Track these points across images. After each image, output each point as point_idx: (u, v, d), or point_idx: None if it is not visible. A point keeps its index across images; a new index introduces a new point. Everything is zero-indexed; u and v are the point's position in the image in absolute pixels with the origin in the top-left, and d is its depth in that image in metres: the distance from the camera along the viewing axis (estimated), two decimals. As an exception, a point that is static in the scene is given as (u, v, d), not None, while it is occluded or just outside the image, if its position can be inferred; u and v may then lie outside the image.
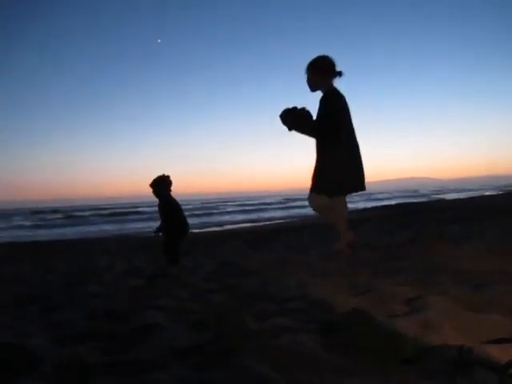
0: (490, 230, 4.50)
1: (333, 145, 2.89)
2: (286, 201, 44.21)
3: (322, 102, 2.92)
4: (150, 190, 4.28)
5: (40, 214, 33.34)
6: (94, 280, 3.18)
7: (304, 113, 2.85)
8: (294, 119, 2.83)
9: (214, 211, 29.49)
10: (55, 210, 39.16)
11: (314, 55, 2.99)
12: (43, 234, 15.85)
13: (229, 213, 27.03)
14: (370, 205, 25.30)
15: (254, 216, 22.33)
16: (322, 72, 2.96)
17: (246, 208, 32.42)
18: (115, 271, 3.84)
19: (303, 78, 3.04)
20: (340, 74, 2.96)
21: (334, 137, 2.87)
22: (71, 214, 31.98)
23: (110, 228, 18.41)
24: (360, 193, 3.10)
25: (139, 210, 32.73)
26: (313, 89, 3.01)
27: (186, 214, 4.53)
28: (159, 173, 4.35)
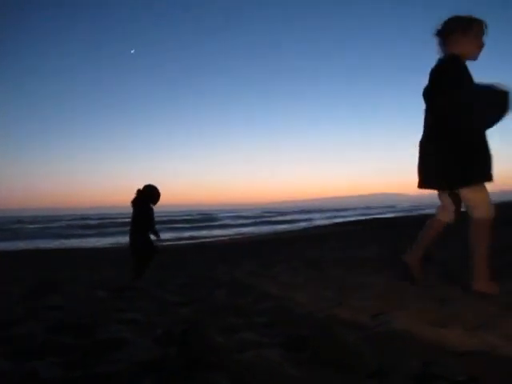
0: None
1: None
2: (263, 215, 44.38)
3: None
4: (135, 195, 4.18)
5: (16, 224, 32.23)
6: (58, 292, 3.08)
7: None
8: None
9: (189, 225, 29.16)
10: (19, 221, 38.05)
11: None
12: (9, 245, 15.30)
13: (206, 227, 26.68)
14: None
15: (230, 230, 22.16)
16: None
17: (222, 222, 32.26)
18: (80, 283, 3.73)
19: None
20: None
21: None
22: (39, 224, 31.05)
23: (80, 240, 17.95)
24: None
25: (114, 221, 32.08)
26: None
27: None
28: (137, 184, 4.29)
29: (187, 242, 13.30)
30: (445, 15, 2.55)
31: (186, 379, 1.29)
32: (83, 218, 43.50)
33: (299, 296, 2.46)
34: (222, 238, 15.03)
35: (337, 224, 17.44)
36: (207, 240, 14.11)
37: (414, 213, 33.46)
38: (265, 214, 45.17)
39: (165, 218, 32.68)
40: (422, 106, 2.56)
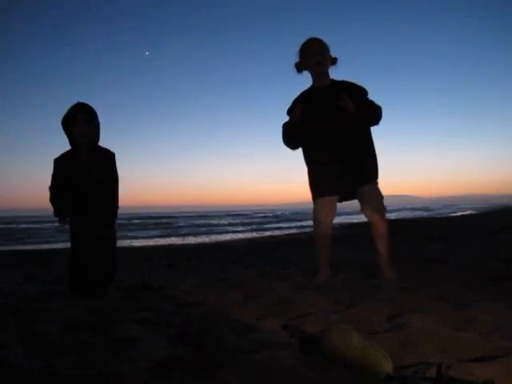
0: (471, 249, 4.56)
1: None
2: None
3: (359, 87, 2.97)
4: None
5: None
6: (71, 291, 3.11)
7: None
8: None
9: (203, 224, 29.10)
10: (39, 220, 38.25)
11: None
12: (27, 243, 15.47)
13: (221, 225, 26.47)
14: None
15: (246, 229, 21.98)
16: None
17: (236, 221, 32.14)
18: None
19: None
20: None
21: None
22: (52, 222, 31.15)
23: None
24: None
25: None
26: (325, 69, 2.99)
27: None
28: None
29: (198, 241, 13.36)
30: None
31: (200, 379, 1.30)
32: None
33: (311, 298, 2.46)
34: (236, 238, 15.07)
35: (348, 226, 17.30)
36: (220, 240, 14.16)
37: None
38: (278, 215, 44.94)
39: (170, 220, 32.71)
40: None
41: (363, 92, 2.99)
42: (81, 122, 2.90)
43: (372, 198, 2.92)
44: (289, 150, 3.14)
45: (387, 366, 1.28)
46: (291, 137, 3.07)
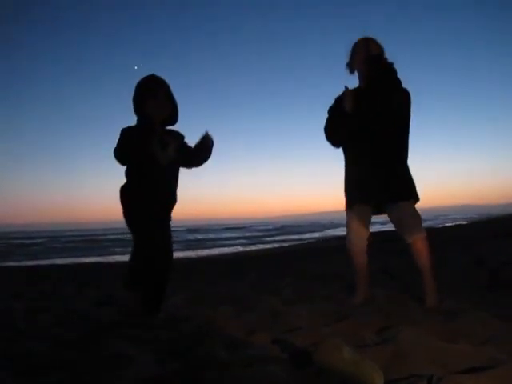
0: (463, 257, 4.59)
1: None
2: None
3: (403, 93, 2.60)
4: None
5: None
6: (60, 307, 3.06)
7: None
8: None
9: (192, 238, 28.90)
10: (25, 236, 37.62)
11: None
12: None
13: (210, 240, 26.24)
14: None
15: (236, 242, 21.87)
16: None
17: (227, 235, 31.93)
18: (83, 298, 3.71)
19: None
20: None
21: None
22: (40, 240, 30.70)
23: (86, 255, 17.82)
24: None
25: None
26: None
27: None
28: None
29: (188, 256, 13.26)
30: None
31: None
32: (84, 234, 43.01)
33: (301, 311, 2.44)
34: (227, 252, 15.00)
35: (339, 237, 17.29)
36: (211, 254, 14.07)
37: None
38: (270, 229, 44.52)
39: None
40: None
41: (396, 98, 2.58)
42: (161, 96, 2.48)
43: (409, 218, 2.53)
44: (331, 147, 2.77)
45: (378, 379, 1.28)
46: (337, 129, 2.72)
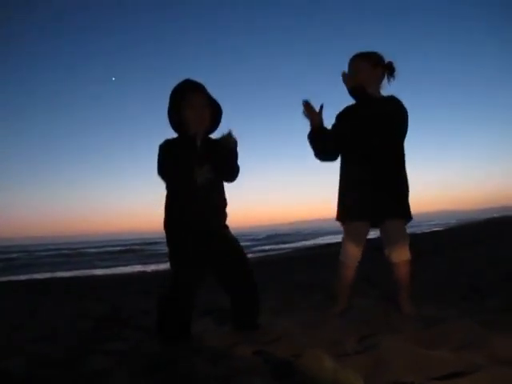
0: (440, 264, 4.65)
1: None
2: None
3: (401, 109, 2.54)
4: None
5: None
6: (35, 323, 2.98)
7: None
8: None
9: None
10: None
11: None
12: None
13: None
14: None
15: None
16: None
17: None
18: (59, 313, 3.62)
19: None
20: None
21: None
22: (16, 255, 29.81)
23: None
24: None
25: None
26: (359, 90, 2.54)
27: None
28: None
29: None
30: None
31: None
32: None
33: (285, 323, 2.43)
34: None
35: (329, 245, 17.25)
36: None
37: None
38: (260, 238, 43.70)
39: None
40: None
41: (394, 117, 2.54)
42: (197, 104, 2.24)
43: (399, 238, 2.54)
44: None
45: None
46: (316, 145, 2.67)
